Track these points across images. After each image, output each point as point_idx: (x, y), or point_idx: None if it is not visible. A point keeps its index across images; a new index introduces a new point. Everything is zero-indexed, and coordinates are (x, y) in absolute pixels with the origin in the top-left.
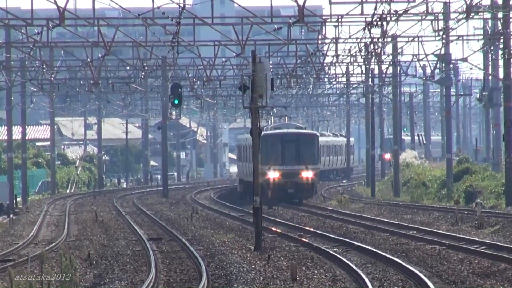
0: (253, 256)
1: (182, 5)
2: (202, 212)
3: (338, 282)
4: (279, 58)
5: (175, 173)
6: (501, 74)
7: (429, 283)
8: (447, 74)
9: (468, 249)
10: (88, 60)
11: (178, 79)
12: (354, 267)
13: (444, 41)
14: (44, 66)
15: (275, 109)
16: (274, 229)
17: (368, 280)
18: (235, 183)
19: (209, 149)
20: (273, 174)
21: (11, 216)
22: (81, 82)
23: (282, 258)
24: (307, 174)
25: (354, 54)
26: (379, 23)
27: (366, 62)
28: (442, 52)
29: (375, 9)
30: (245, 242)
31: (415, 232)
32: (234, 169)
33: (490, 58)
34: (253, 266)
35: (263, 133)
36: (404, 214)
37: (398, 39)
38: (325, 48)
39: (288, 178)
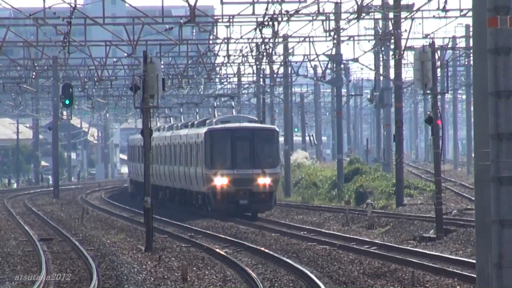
0: (144, 256)
1: (73, 5)
2: (93, 213)
3: (229, 282)
4: (170, 58)
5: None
6: (392, 75)
7: (320, 284)
8: (338, 74)
9: (359, 250)
10: None
11: (69, 79)
12: (244, 267)
13: (335, 41)
14: None
15: (167, 110)
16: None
17: (258, 280)
18: (126, 184)
19: (100, 149)
20: (220, 181)
21: None
22: None
23: (173, 258)
24: (265, 181)
25: (245, 54)
26: (270, 23)
27: (257, 62)
28: (333, 52)
29: (266, 9)
30: (136, 243)
31: (306, 232)
32: (125, 169)
33: (381, 59)
34: (144, 267)
35: (207, 128)
36: (295, 214)
37: (289, 39)
38: (216, 48)
39: (240, 186)
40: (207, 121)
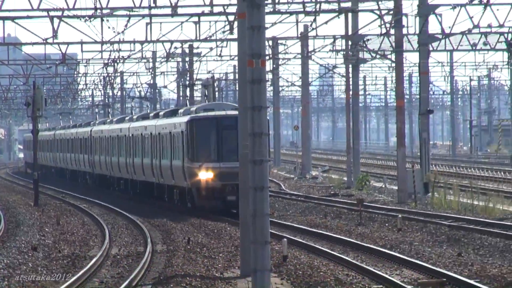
0: (33, 209)
1: None
2: (2, 181)
3: (86, 225)
4: (50, 85)
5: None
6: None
7: (143, 226)
8: (154, 96)
9: (164, 206)
10: None
11: None
12: (95, 216)
13: (152, 75)
14: None
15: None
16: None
17: (104, 224)
18: (22, 164)
19: (6, 142)
20: (205, 175)
21: None
22: None
23: (51, 210)
24: None
25: (96, 83)
26: (112, 64)
27: (105, 89)
28: (151, 82)
29: (110, 55)
30: (28, 200)
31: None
32: (21, 155)
33: (181, 86)
34: (33, 215)
35: (189, 116)
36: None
37: (124, 74)
38: (79, 80)
39: (227, 180)
40: (180, 111)
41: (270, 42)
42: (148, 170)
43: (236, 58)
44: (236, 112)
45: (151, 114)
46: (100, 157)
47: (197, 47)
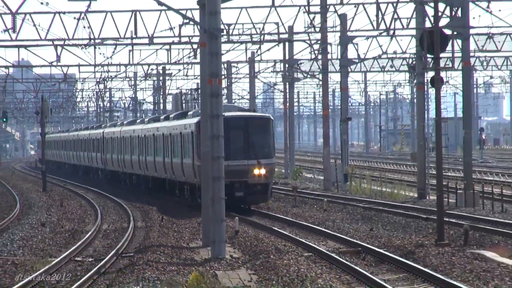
0: (42, 194)
1: (6, 72)
2: (18, 173)
3: (83, 206)
4: (54, 98)
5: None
6: (168, 107)
7: (126, 207)
8: (135, 108)
9: (139, 190)
10: None
11: (5, 108)
12: (90, 199)
13: (134, 90)
14: None
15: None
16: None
17: (97, 205)
18: (33, 160)
19: (20, 143)
20: None
21: None
22: None
23: (56, 195)
24: (260, 171)
25: (90, 97)
26: (103, 81)
27: (97, 101)
28: (133, 96)
29: (101, 75)
30: (38, 188)
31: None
32: (33, 152)
33: (161, 100)
34: (42, 199)
35: (198, 118)
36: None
37: (112, 90)
38: (77, 94)
39: (235, 177)
40: (189, 113)
41: (225, 65)
42: (160, 167)
43: (199, 77)
44: (242, 113)
45: (162, 117)
46: (112, 155)
47: (169, 69)
